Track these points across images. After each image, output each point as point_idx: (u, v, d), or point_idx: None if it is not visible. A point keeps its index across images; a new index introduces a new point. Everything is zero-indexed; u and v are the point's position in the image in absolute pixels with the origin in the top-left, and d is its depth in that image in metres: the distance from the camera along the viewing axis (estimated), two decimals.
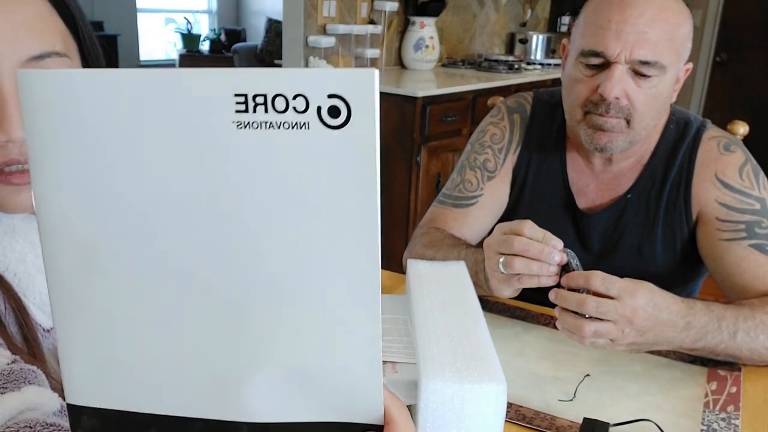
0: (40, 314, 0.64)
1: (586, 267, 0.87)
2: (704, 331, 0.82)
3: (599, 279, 0.77)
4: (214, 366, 0.37)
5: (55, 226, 0.35)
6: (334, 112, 0.31)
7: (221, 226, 0.34)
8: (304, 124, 0.31)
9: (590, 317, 0.77)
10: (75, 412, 0.38)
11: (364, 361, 0.36)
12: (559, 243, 0.81)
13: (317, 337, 0.35)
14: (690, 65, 1.03)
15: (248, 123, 0.32)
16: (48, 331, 0.64)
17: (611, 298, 0.77)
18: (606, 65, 0.96)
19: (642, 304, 0.77)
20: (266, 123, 0.31)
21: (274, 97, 0.31)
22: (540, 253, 0.80)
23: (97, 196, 0.34)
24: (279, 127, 0.31)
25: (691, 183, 1.05)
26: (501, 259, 0.83)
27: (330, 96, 0.31)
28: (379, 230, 0.33)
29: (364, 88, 0.31)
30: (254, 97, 0.31)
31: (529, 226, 0.82)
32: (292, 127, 0.31)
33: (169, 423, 0.38)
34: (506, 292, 0.88)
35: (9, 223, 0.64)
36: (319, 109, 0.31)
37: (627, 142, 1.01)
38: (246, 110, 0.31)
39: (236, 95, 0.31)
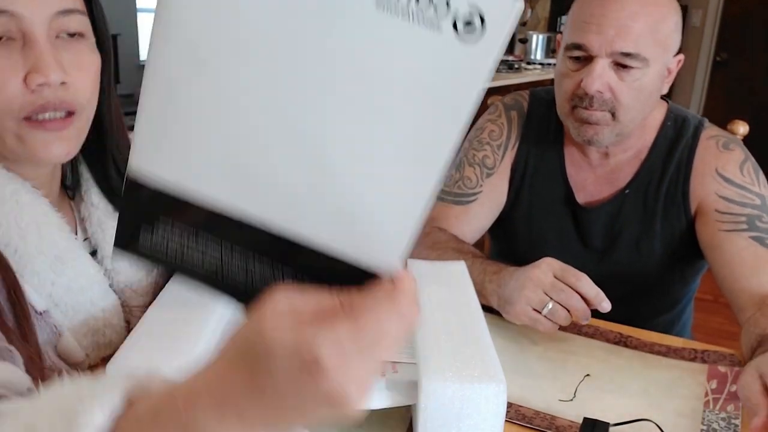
0: (34, 295, 0.63)
1: (587, 265, 0.87)
2: None
3: None
4: (275, 171, 0.39)
5: (171, 22, 0.37)
6: (469, 26, 0.34)
7: (318, 77, 0.36)
8: (439, 26, 0.34)
9: None
10: (132, 185, 0.41)
11: (403, 210, 0.38)
12: (608, 305, 0.84)
13: (372, 176, 0.38)
14: (682, 56, 1.03)
15: (389, 6, 0.34)
16: (40, 314, 0.64)
17: None
18: (589, 59, 0.98)
19: None
20: (404, 12, 0.34)
21: None
22: (586, 316, 0.84)
23: (220, 15, 0.37)
24: (413, 20, 0.34)
25: (689, 179, 1.06)
26: (550, 305, 0.84)
27: (471, 7, 0.33)
28: (462, 122, 0.36)
29: (504, 14, 0.33)
30: None
31: (586, 283, 0.84)
32: (426, 25, 0.34)
33: (221, 223, 0.40)
34: (517, 322, 0.89)
35: (18, 200, 0.64)
36: (456, 17, 0.33)
37: (614, 134, 1.02)
38: None
39: None
